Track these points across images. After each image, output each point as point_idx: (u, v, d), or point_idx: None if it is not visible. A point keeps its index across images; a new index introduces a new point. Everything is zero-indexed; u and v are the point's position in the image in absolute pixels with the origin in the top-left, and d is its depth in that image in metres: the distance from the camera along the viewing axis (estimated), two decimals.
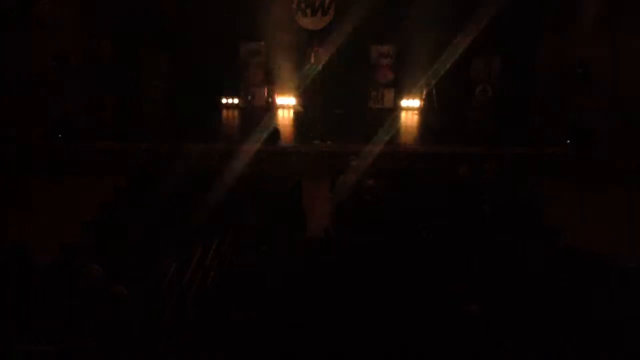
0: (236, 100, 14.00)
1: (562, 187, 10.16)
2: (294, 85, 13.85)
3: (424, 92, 13.88)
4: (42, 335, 4.63)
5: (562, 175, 10.73)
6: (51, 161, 10.97)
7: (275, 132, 11.49)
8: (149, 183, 8.31)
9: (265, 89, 14.06)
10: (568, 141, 11.56)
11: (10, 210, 9.07)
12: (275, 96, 14.11)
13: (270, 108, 13.98)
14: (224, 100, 13.94)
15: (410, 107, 13.99)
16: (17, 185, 10.05)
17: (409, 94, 13.96)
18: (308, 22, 14.10)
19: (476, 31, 12.60)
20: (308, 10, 14.05)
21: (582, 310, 5.20)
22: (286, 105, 14.14)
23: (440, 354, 4.73)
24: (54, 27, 11.47)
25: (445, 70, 13.39)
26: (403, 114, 13.85)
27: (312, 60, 13.53)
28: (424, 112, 13.88)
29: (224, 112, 13.83)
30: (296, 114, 13.84)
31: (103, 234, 6.82)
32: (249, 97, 13.99)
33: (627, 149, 10.96)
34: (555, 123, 12.25)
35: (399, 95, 14.05)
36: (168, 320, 5.25)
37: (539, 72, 12.97)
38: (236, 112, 13.87)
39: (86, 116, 12.07)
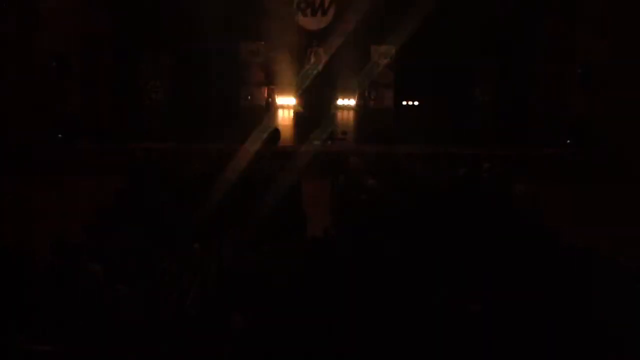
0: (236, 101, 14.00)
1: (562, 187, 10.15)
2: (294, 85, 13.87)
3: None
4: (42, 335, 4.63)
5: (562, 175, 10.73)
6: (51, 161, 10.97)
7: (276, 133, 11.50)
8: (148, 183, 8.30)
9: (265, 89, 14.06)
10: (568, 141, 11.56)
11: (10, 210, 9.06)
12: (275, 96, 14.11)
13: (270, 108, 13.98)
14: (224, 101, 13.93)
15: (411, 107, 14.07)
16: (17, 185, 10.05)
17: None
18: (308, 22, 14.10)
19: (476, 31, 12.61)
20: (308, 10, 14.05)
21: (582, 310, 5.20)
22: (286, 106, 14.14)
23: (441, 354, 4.73)
24: (54, 27, 11.48)
25: (445, 70, 13.41)
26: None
27: (312, 60, 13.55)
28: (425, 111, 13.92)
29: (224, 112, 13.81)
30: (296, 114, 13.86)
31: (103, 234, 6.81)
32: (249, 97, 13.98)
33: (627, 149, 10.96)
34: (555, 123, 12.25)
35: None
36: (168, 320, 5.25)
37: (539, 72, 12.98)
38: (236, 112, 13.85)
39: (86, 116, 12.07)
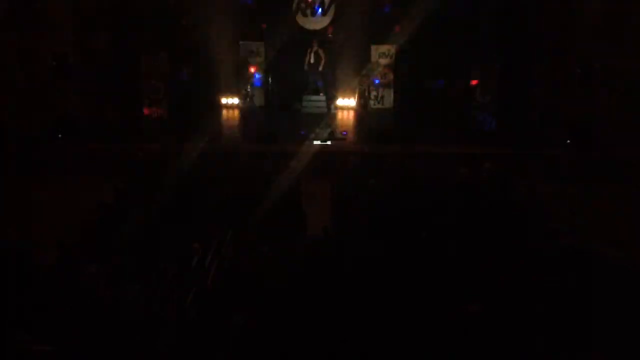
0: (236, 100, 13.97)
1: (562, 187, 10.15)
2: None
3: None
4: (42, 335, 4.63)
5: (562, 175, 10.73)
6: (51, 161, 10.97)
7: (273, 133, 11.49)
8: (148, 183, 8.31)
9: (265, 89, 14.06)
10: (568, 141, 11.56)
11: (10, 210, 9.06)
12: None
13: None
14: (223, 101, 13.91)
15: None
16: (17, 185, 10.05)
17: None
18: (308, 22, 14.09)
19: (477, 31, 12.61)
20: (308, 10, 14.04)
21: (582, 310, 5.21)
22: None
23: (441, 354, 4.73)
24: (54, 27, 11.48)
25: (445, 70, 13.41)
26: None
27: (312, 60, 13.54)
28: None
29: (224, 112, 13.81)
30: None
31: (103, 234, 6.82)
32: (249, 97, 13.97)
33: (627, 149, 10.96)
34: (555, 123, 12.25)
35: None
36: (168, 320, 5.25)
37: (539, 72, 12.97)
38: (236, 113, 13.85)
39: (86, 116, 12.07)
